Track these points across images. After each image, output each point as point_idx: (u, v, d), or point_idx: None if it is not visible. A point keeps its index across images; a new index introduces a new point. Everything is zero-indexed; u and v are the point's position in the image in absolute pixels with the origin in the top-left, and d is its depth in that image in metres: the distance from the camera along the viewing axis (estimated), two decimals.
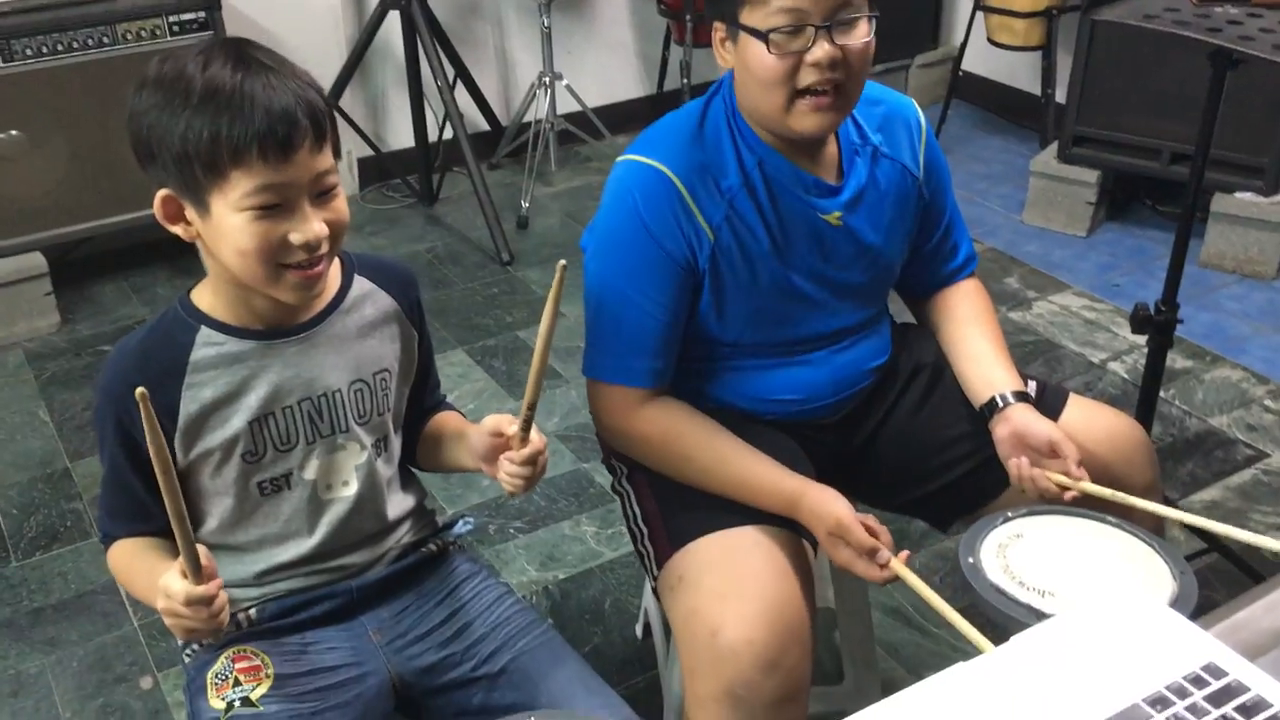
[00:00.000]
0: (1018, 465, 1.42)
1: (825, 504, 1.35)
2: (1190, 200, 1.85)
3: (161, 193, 1.16)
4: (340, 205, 1.18)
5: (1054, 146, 3.49)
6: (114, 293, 3.27)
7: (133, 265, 3.35)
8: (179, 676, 2.00)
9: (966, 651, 2.00)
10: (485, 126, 3.93)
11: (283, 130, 1.09)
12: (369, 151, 3.72)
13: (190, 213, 1.16)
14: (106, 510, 1.28)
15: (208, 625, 1.09)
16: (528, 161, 3.68)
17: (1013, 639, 0.92)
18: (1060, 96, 3.66)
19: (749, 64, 1.34)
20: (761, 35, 1.31)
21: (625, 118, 4.14)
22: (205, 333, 1.22)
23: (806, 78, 1.32)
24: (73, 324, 3.12)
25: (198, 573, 1.07)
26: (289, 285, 1.17)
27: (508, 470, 1.23)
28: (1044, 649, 0.91)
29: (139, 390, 0.95)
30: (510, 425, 1.23)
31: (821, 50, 1.30)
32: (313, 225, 1.13)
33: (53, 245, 3.10)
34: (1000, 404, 1.47)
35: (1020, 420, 1.44)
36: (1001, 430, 1.46)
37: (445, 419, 1.41)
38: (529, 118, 3.84)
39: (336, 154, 1.18)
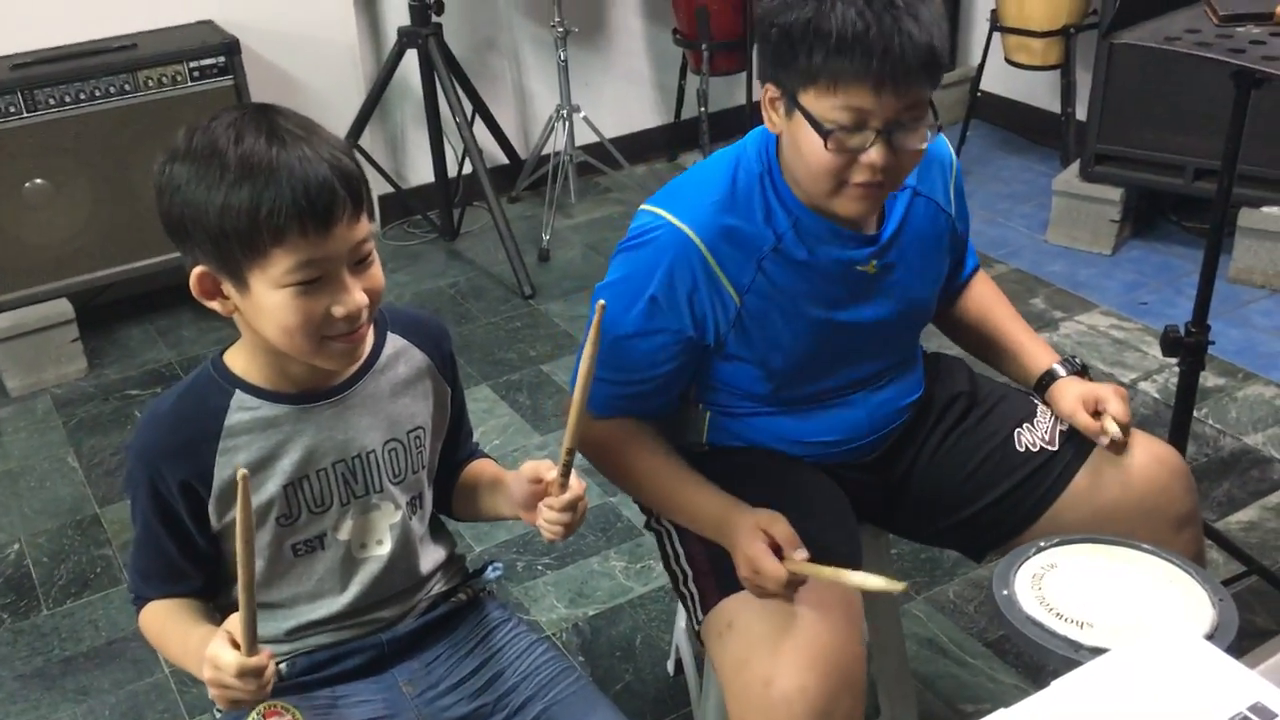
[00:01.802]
0: (1100, 424, 1.47)
1: (752, 509, 1.35)
2: (1218, 220, 1.83)
3: (197, 270, 1.15)
4: (377, 272, 1.17)
5: (1076, 165, 3.47)
6: (140, 336, 3.29)
7: (158, 309, 3.37)
8: None
9: (1002, 682, 1.99)
10: (504, 160, 3.94)
11: (322, 203, 1.08)
12: (389, 189, 3.74)
13: (228, 288, 1.15)
14: (139, 572, 1.27)
15: (255, 696, 1.08)
16: (547, 194, 3.69)
17: (1054, 683, 0.90)
18: (1081, 114, 3.64)
19: (801, 146, 1.31)
20: (822, 130, 1.27)
21: (643, 147, 4.14)
22: (240, 397, 1.21)
23: (858, 175, 1.30)
24: (100, 369, 3.14)
25: (253, 645, 1.05)
26: (332, 354, 1.17)
27: (547, 517, 1.21)
28: (1087, 691, 0.89)
29: (241, 472, 0.95)
30: (549, 471, 1.22)
31: (877, 153, 1.27)
32: (354, 296, 1.13)
33: (78, 291, 3.12)
34: (1049, 379, 1.55)
35: (1083, 388, 1.51)
36: (1066, 403, 1.51)
37: (480, 468, 1.40)
38: (548, 150, 3.85)
39: (371, 217, 1.17)
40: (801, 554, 1.29)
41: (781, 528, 1.30)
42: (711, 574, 1.41)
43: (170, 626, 1.24)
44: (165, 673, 2.12)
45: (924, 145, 1.31)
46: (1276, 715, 0.85)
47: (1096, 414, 1.48)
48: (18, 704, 2.08)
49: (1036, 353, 1.59)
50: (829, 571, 1.27)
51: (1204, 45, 1.58)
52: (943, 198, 1.51)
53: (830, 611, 1.32)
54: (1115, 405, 1.47)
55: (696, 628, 1.44)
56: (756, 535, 1.30)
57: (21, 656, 2.18)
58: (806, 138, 1.29)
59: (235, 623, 1.07)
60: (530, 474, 1.23)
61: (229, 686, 1.06)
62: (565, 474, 1.20)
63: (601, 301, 1.14)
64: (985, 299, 1.67)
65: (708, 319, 1.39)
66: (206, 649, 1.08)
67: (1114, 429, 1.45)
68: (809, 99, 1.28)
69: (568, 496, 1.20)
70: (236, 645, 1.06)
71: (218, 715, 1.31)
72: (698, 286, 1.37)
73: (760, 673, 1.27)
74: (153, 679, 2.11)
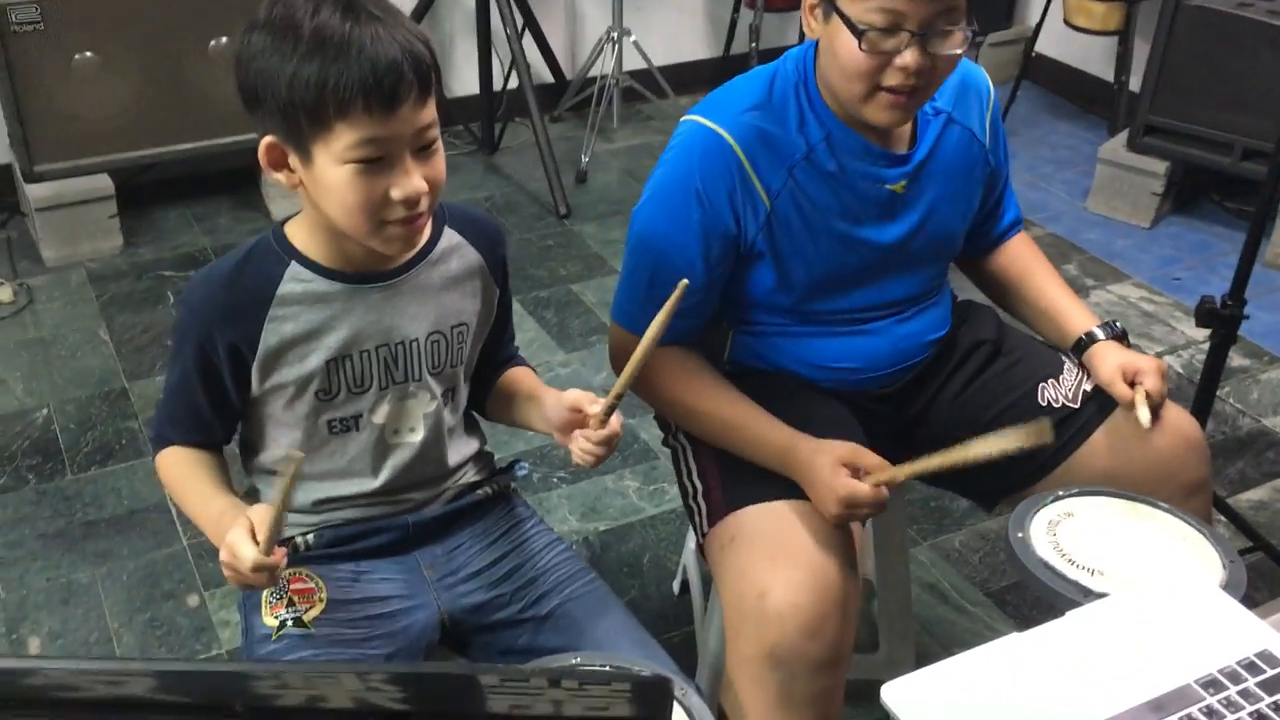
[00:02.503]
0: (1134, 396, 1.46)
1: (826, 442, 1.37)
2: (1266, 199, 1.83)
3: (266, 139, 1.16)
4: (439, 162, 1.18)
5: (1123, 135, 3.44)
6: (177, 220, 3.31)
7: (196, 194, 3.38)
8: (224, 596, 2.05)
9: (999, 631, 2.03)
10: (550, 78, 3.92)
11: (389, 82, 1.09)
12: None
13: (294, 161, 1.16)
14: (166, 417, 1.30)
15: (263, 585, 1.13)
16: (590, 116, 3.68)
17: (1068, 614, 0.93)
18: (1134, 84, 3.60)
19: (836, 49, 1.33)
20: (857, 30, 1.29)
21: (690, 78, 4.11)
22: (295, 268, 1.23)
23: (891, 78, 1.32)
24: (135, 247, 3.17)
25: (272, 547, 1.09)
26: (389, 238, 1.18)
27: (582, 446, 1.24)
28: (1099, 625, 0.91)
29: (298, 455, 1.01)
30: (592, 405, 1.24)
31: (911, 56, 1.29)
32: (414, 180, 1.14)
33: (120, 169, 3.14)
34: (1088, 340, 1.54)
35: (1123, 357, 1.50)
36: (1105, 369, 1.50)
37: (519, 377, 1.42)
38: (594, 72, 3.83)
39: (441, 107, 1.18)
40: (887, 470, 1.33)
41: (869, 458, 1.34)
42: (721, 489, 1.44)
43: (191, 483, 1.27)
44: (184, 544, 2.17)
45: (959, 51, 1.32)
46: None
47: (1133, 385, 1.48)
48: (38, 562, 2.13)
49: (1076, 314, 1.59)
50: (938, 459, 1.28)
51: (1277, 14, 1.57)
52: (978, 127, 1.52)
53: (831, 536, 1.35)
54: (1152, 381, 1.46)
55: (701, 541, 1.47)
56: (840, 472, 1.32)
57: (45, 517, 2.23)
58: (843, 40, 1.31)
59: (259, 516, 1.10)
60: (571, 403, 1.25)
61: (241, 574, 1.10)
62: (608, 414, 1.23)
63: (684, 281, 1.16)
64: (1027, 258, 1.67)
65: (744, 217, 1.41)
66: (227, 534, 1.11)
67: (1145, 415, 1.44)
68: (846, 1, 1.30)
69: (605, 433, 1.22)
70: (255, 538, 1.09)
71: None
72: (734, 184, 1.40)
73: (757, 585, 1.31)
74: (171, 549, 2.16)
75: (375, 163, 1.13)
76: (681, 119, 1.45)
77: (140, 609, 2.04)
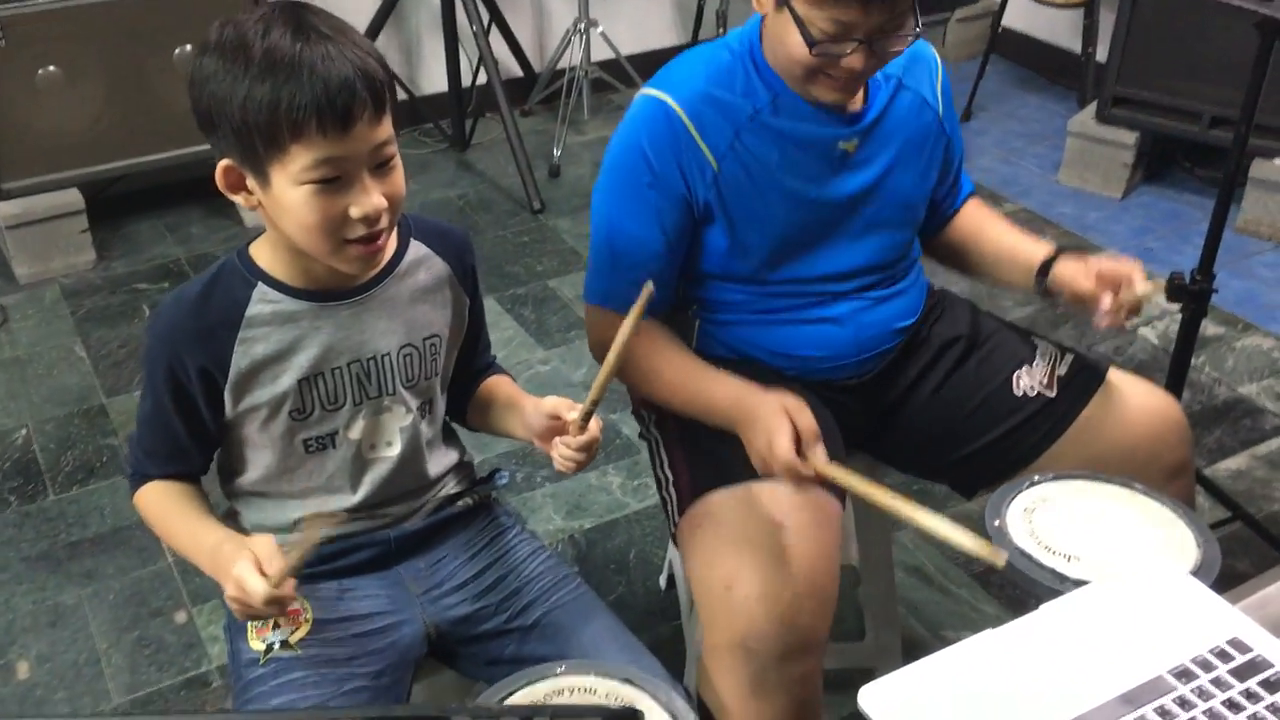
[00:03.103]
0: (1107, 299, 1.42)
1: (774, 393, 1.36)
2: (1231, 169, 1.84)
3: (223, 163, 1.16)
4: (398, 178, 1.18)
5: (1093, 106, 3.45)
6: (149, 231, 3.30)
7: (168, 203, 3.37)
8: (212, 612, 2.05)
9: (984, 612, 2.04)
10: (519, 72, 3.91)
11: (341, 101, 1.09)
12: (402, 95, 3.72)
13: (252, 183, 1.17)
14: (144, 450, 1.30)
15: (272, 615, 1.15)
16: (561, 109, 3.67)
17: (1041, 607, 0.94)
18: (1101, 55, 3.61)
19: (785, 40, 1.35)
20: (808, 39, 1.31)
21: (659, 66, 4.09)
22: (262, 290, 1.23)
23: (837, 72, 1.35)
24: (108, 261, 3.15)
25: (283, 580, 1.10)
26: (350, 258, 1.18)
27: (562, 453, 1.24)
28: (1071, 618, 0.92)
29: (327, 518, 1.03)
30: (569, 411, 1.24)
31: (858, 60, 1.33)
32: (372, 198, 1.14)
33: (89, 182, 3.12)
34: (1050, 261, 1.50)
35: (1100, 264, 1.45)
36: (1083, 282, 1.45)
37: (497, 385, 1.43)
38: (563, 64, 3.82)
39: (396, 124, 1.18)
40: (821, 451, 1.32)
41: (806, 417, 1.32)
42: (689, 476, 1.46)
43: (176, 518, 1.27)
44: (169, 560, 2.17)
45: (903, 48, 1.35)
46: (1253, 650, 0.88)
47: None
48: (24, 585, 2.13)
49: (1033, 247, 1.56)
50: (882, 497, 1.25)
51: None
52: (929, 93, 1.54)
53: (801, 519, 1.35)
54: (1141, 285, 1.42)
55: (673, 531, 1.48)
56: (781, 413, 1.32)
57: (28, 539, 2.23)
58: (792, 36, 1.33)
59: (263, 549, 1.12)
60: (550, 409, 1.26)
61: (251, 609, 1.12)
62: (586, 419, 1.23)
63: (649, 285, 1.16)
64: (979, 216, 1.67)
65: (692, 181, 1.44)
66: (233, 568, 1.12)
67: (1146, 288, 1.41)
68: (800, 2, 1.32)
69: (585, 438, 1.23)
70: (262, 570, 1.10)
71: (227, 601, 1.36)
72: (680, 148, 1.42)
73: (724, 576, 1.31)
74: (156, 566, 2.16)
75: (333, 182, 1.13)
76: (637, 93, 1.49)
77: (128, 628, 2.04)
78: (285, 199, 1.14)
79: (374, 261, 1.22)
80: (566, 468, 1.25)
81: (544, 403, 1.28)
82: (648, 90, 1.45)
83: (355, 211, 1.14)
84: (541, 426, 1.27)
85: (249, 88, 1.09)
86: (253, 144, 1.11)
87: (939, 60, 1.57)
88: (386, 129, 1.15)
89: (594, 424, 1.23)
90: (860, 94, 1.47)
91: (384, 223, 1.16)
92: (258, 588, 1.09)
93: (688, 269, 1.52)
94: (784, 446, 1.30)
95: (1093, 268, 1.45)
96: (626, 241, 1.46)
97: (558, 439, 1.25)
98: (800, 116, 1.44)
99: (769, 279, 1.50)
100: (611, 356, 1.19)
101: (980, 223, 1.67)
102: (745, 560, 1.31)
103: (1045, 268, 1.52)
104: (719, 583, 1.32)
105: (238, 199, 1.19)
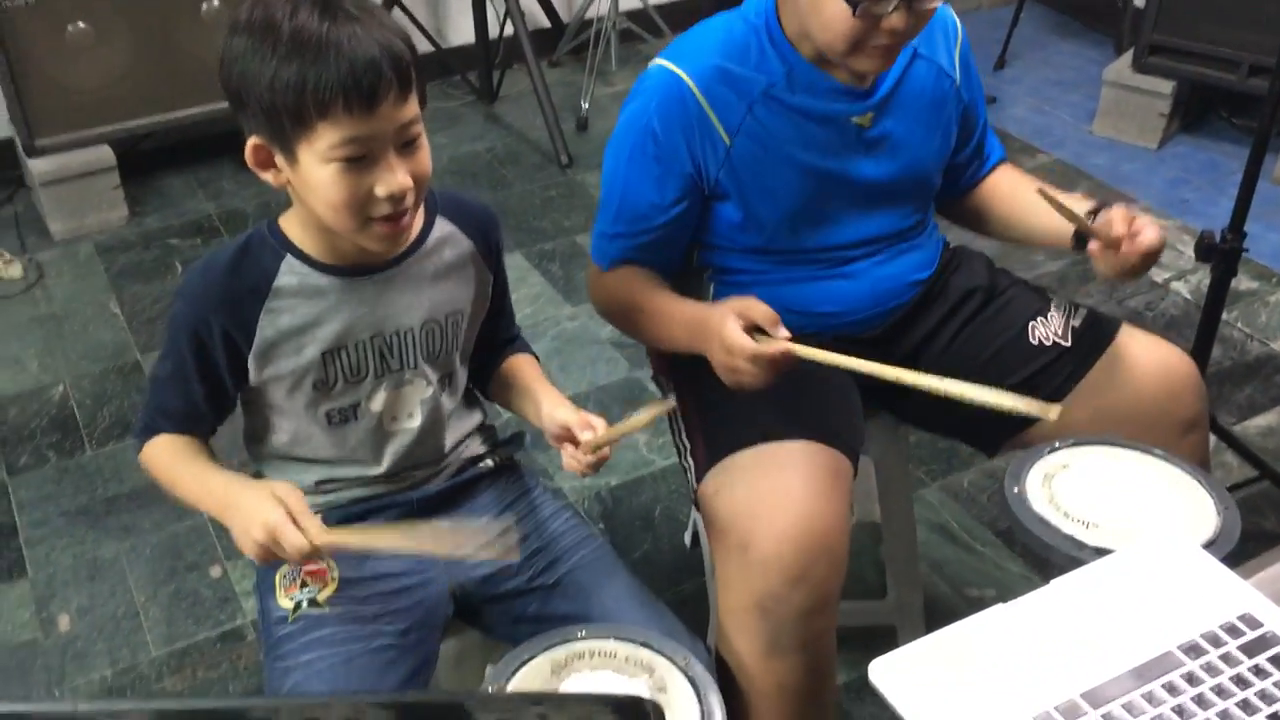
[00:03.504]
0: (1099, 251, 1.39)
1: (729, 300, 1.36)
2: (1266, 120, 1.81)
3: (252, 140, 1.18)
4: (424, 157, 1.19)
5: (1128, 55, 3.39)
6: (181, 186, 3.32)
7: (199, 159, 3.39)
8: (246, 567, 2.09)
9: (1009, 570, 2.05)
10: (546, 24, 3.88)
11: (367, 81, 1.10)
12: (430, 48, 3.71)
13: (280, 161, 1.18)
14: (157, 407, 1.31)
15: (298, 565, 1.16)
16: (588, 60, 3.65)
17: (1052, 582, 0.94)
18: (1138, 1, 3.54)
19: (822, 10, 1.34)
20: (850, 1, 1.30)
21: (688, 15, 4.02)
22: (290, 262, 1.25)
23: (877, 38, 1.34)
24: (141, 217, 3.18)
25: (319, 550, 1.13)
26: (375, 236, 1.19)
27: (571, 454, 1.26)
28: (1082, 592, 0.93)
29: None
30: (582, 431, 1.25)
31: (899, 18, 1.31)
32: (397, 177, 1.15)
33: (120, 138, 3.14)
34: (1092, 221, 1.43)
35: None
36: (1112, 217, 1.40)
37: (518, 367, 1.44)
38: (590, 14, 3.79)
39: (423, 103, 1.19)
40: (782, 333, 1.31)
41: (759, 308, 1.32)
42: (704, 443, 1.47)
43: (182, 465, 1.28)
44: (205, 516, 2.21)
45: (937, 3, 1.34)
46: (1264, 626, 0.89)
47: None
48: (64, 539, 2.18)
49: (1071, 200, 1.48)
50: (824, 355, 1.28)
51: None
52: (946, 62, 1.52)
53: (813, 480, 1.36)
54: (1151, 233, 1.38)
55: (693, 498, 1.49)
56: (727, 313, 1.32)
57: (67, 494, 2.28)
58: (830, 6, 1.32)
59: (294, 500, 1.14)
60: (562, 420, 1.27)
61: (286, 555, 1.13)
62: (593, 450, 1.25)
63: (671, 401, 1.23)
64: (1012, 179, 1.65)
65: (703, 157, 1.44)
66: (259, 514, 1.13)
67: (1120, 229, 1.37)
68: None
69: (593, 458, 1.25)
70: (297, 522, 1.12)
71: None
72: (690, 125, 1.43)
73: (740, 537, 1.33)
74: (192, 521, 2.20)
75: (359, 160, 1.14)
76: (651, 62, 1.48)
77: (164, 581, 2.09)
78: (312, 177, 1.15)
79: (400, 239, 1.23)
80: (573, 469, 1.27)
81: (557, 413, 1.29)
82: (662, 61, 1.45)
83: (381, 190, 1.15)
84: (552, 430, 1.30)
85: (276, 68, 1.10)
86: (280, 123, 1.13)
87: (959, 26, 1.55)
88: (412, 108, 1.16)
89: (604, 449, 1.25)
90: None
91: (409, 201, 1.18)
92: (297, 541, 1.11)
93: (699, 238, 1.53)
94: (738, 338, 1.30)
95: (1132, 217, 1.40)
96: (630, 209, 1.49)
97: (568, 447, 1.27)
98: (815, 91, 1.44)
99: (782, 249, 1.51)
100: (624, 426, 1.24)
101: (1014, 184, 1.64)
102: (761, 522, 1.33)
103: (1090, 215, 1.47)
104: (736, 543, 1.34)
105: (267, 176, 1.21)
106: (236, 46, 1.14)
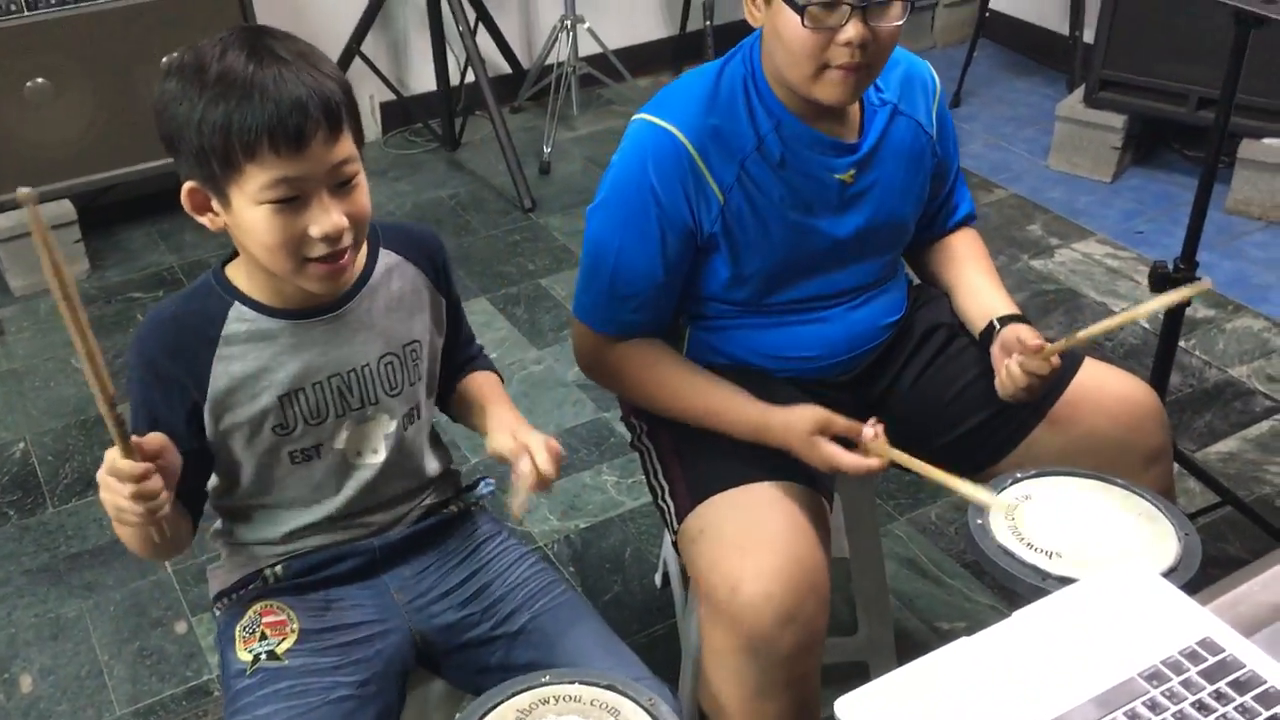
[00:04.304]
0: (1005, 366, 1.44)
1: (797, 410, 1.40)
2: (1212, 156, 1.84)
3: (187, 185, 1.18)
4: (360, 197, 1.19)
5: (1080, 90, 3.45)
6: (142, 239, 3.31)
7: (160, 212, 3.38)
8: (212, 621, 2.06)
9: (978, 602, 2.06)
10: (507, 69, 3.91)
11: (293, 122, 1.10)
12: (391, 96, 3.72)
13: (215, 204, 1.18)
14: None
15: (131, 508, 1.07)
16: (550, 105, 3.68)
17: (1015, 613, 0.95)
18: (1089, 37, 3.61)
19: (780, 30, 1.36)
20: (798, 7, 1.32)
21: (647, 59, 4.11)
22: (238, 308, 1.25)
23: (837, 56, 1.34)
24: (102, 270, 3.17)
25: (125, 443, 1.05)
26: (313, 277, 1.19)
27: (517, 475, 1.26)
28: (1044, 623, 0.94)
29: (23, 191, 0.88)
30: (521, 464, 1.25)
31: (854, 30, 1.32)
32: (331, 217, 1.15)
33: (80, 193, 3.13)
34: (997, 326, 1.51)
35: (1008, 333, 1.48)
36: (995, 348, 1.49)
37: (479, 384, 1.44)
38: (550, 60, 3.82)
39: (359, 142, 1.19)
40: (870, 429, 1.38)
41: (839, 423, 1.37)
42: (685, 484, 1.47)
43: None
44: (169, 571, 2.18)
45: (899, 23, 1.36)
46: (1224, 651, 0.89)
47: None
48: (25, 598, 2.15)
49: (1000, 299, 1.56)
50: (927, 469, 1.33)
51: None
52: (924, 118, 1.55)
53: (797, 520, 1.37)
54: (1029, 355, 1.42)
55: (673, 539, 1.49)
56: (816, 444, 1.37)
57: (28, 552, 2.25)
58: (785, 21, 1.34)
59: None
60: (496, 453, 1.29)
61: (108, 488, 1.07)
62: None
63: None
64: (966, 246, 1.67)
65: (699, 212, 1.45)
66: (107, 499, 1.08)
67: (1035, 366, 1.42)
68: None
69: (533, 482, 1.24)
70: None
71: (217, 612, 1.38)
72: (687, 180, 1.43)
73: (728, 578, 1.33)
74: (155, 577, 2.17)
75: (291, 201, 1.14)
76: (632, 119, 1.48)
77: (129, 639, 2.06)
78: (245, 219, 1.15)
79: (340, 280, 1.22)
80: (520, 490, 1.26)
81: (500, 446, 1.29)
82: (649, 118, 1.44)
83: (315, 231, 1.15)
84: (500, 453, 1.30)
85: (203, 110, 1.11)
86: (210, 166, 1.13)
87: (938, 82, 1.57)
88: (345, 149, 1.16)
89: (547, 466, 1.24)
90: (856, 122, 1.49)
91: (346, 241, 1.17)
92: (119, 463, 1.05)
93: (684, 291, 1.53)
94: (843, 457, 1.36)
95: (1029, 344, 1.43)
96: (628, 272, 1.46)
97: (521, 462, 1.26)
98: (802, 143, 1.45)
99: (762, 299, 1.52)
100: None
101: (965, 256, 1.65)
102: (749, 562, 1.33)
103: (986, 334, 1.53)
104: (724, 584, 1.33)
105: (204, 220, 1.20)
106: (168, 90, 1.14)
